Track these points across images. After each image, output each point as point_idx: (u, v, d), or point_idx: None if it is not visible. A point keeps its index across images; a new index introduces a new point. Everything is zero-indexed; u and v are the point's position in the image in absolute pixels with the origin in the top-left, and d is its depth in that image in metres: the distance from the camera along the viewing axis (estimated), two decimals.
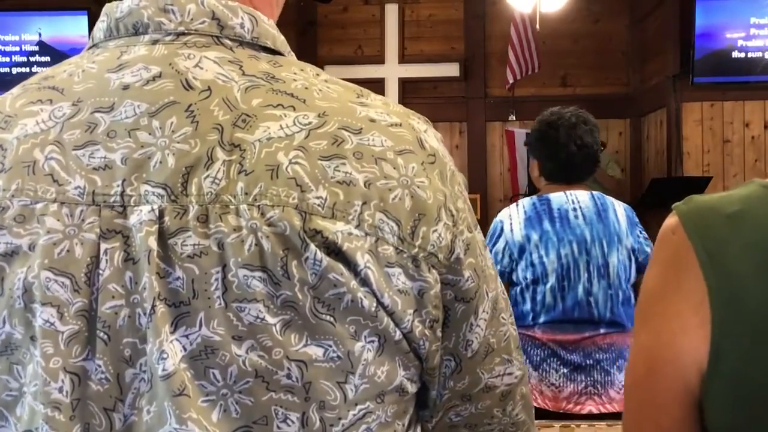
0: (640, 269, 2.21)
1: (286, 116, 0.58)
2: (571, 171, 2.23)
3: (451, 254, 0.61)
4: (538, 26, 6.00)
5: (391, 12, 7.14)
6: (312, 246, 0.55)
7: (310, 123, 0.58)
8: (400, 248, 0.58)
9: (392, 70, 7.06)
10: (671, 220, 0.73)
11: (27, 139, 0.59)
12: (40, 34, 6.40)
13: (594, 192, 2.25)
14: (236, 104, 0.58)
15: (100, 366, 0.55)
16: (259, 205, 0.55)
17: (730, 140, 5.92)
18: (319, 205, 0.56)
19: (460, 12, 7.13)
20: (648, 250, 2.21)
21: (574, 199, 2.20)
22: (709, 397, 0.69)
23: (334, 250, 0.55)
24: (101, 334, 0.55)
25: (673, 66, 5.94)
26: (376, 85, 6.74)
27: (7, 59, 6.42)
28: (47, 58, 6.38)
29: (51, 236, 0.56)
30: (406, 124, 0.62)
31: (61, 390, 0.55)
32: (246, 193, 0.55)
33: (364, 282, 0.56)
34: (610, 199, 2.25)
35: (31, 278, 0.56)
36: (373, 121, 0.60)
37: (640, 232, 2.23)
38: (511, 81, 6.45)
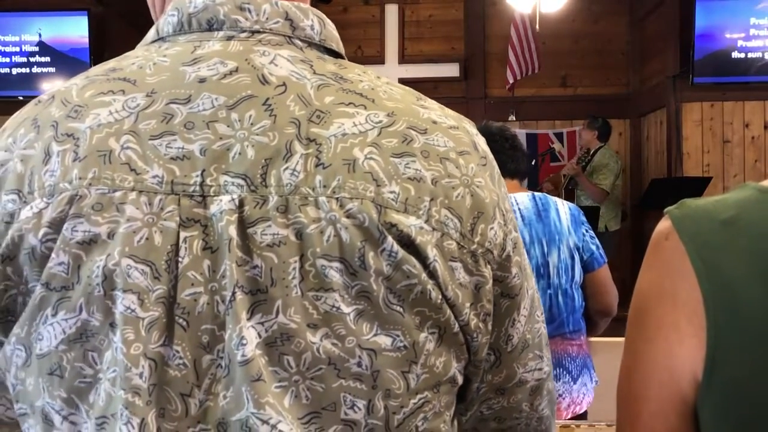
0: (587, 268, 2.25)
1: (358, 114, 0.61)
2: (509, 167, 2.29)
3: (503, 251, 0.64)
4: (538, 26, 6.01)
5: (391, 12, 7.15)
6: (389, 238, 0.57)
7: (381, 121, 0.61)
8: (462, 244, 0.61)
9: (392, 71, 7.06)
10: (664, 225, 0.72)
11: (101, 129, 0.60)
12: (40, 35, 6.38)
13: (536, 193, 2.30)
14: (310, 101, 0.61)
15: (178, 352, 0.57)
16: (338, 198, 0.57)
17: (730, 140, 5.92)
18: (392, 199, 0.58)
19: (460, 12, 7.14)
20: (593, 248, 2.24)
21: (513, 202, 2.23)
22: (704, 407, 0.68)
23: (407, 243, 0.58)
24: (180, 321, 0.57)
25: (673, 66, 5.95)
26: None
27: (7, 59, 6.40)
28: (47, 59, 6.37)
29: (131, 224, 0.57)
30: (461, 127, 0.66)
31: (141, 376, 0.56)
32: (324, 186, 0.57)
33: (432, 275, 0.59)
34: (553, 199, 2.28)
35: (112, 265, 0.56)
36: (435, 122, 0.64)
37: (586, 231, 2.26)
38: (511, 81, 6.46)
